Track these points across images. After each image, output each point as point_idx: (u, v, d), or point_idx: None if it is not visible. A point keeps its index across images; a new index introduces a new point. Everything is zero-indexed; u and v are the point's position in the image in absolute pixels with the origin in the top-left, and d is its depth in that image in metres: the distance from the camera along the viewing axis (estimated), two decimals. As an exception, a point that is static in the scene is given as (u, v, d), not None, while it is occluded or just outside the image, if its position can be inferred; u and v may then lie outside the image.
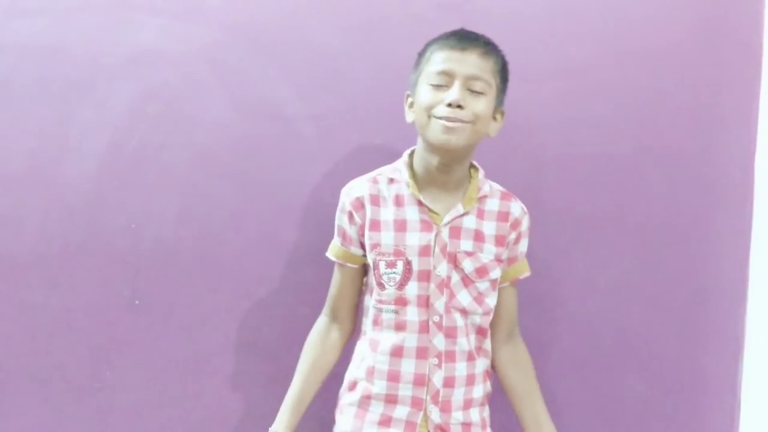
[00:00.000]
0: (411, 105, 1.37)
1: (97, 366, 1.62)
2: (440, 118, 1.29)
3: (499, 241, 1.38)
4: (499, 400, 1.44)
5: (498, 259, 1.38)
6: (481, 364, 1.39)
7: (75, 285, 1.61)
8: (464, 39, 1.32)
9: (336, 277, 1.44)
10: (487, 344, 1.41)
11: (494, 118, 1.36)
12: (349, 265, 1.42)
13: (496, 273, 1.37)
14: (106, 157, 1.62)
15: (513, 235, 1.40)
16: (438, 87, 1.30)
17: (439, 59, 1.31)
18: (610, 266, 1.64)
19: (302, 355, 1.44)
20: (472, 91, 1.30)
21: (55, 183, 1.62)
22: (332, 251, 1.43)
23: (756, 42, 1.65)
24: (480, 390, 1.39)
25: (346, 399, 1.40)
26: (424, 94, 1.32)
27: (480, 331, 1.39)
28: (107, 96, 1.62)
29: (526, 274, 1.45)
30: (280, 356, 1.57)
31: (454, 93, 1.28)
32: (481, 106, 1.30)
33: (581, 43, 1.64)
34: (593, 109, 1.64)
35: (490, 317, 1.40)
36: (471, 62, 1.30)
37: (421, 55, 1.36)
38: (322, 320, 1.45)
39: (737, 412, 1.65)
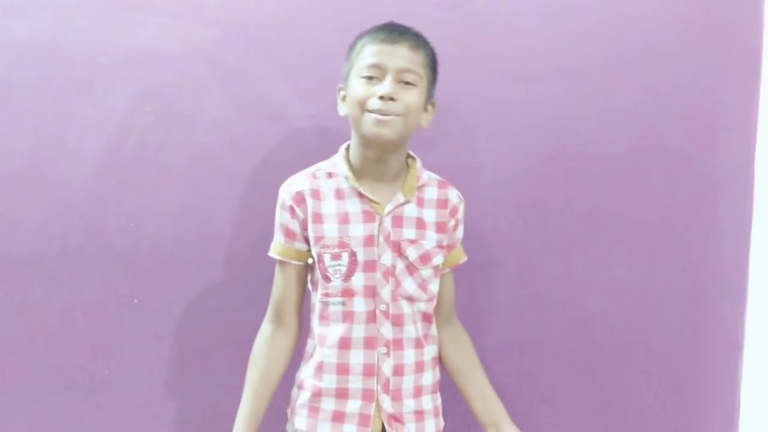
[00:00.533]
0: (344, 98, 1.38)
1: (96, 364, 1.62)
2: (373, 111, 1.30)
3: (440, 227, 1.40)
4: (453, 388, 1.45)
5: (440, 246, 1.39)
6: (429, 351, 1.41)
7: (74, 284, 1.61)
8: (394, 32, 1.33)
9: (279, 278, 1.42)
10: (434, 330, 1.42)
11: (425, 110, 1.37)
12: (293, 262, 1.40)
13: (438, 259, 1.39)
14: (104, 156, 1.62)
15: (452, 222, 1.42)
16: (370, 80, 1.31)
17: (370, 52, 1.32)
18: (610, 266, 1.64)
19: (249, 366, 1.41)
20: (404, 83, 1.31)
21: (53, 182, 1.62)
22: (275, 249, 1.41)
23: (756, 41, 1.65)
24: (429, 377, 1.40)
25: (298, 399, 1.39)
26: (356, 87, 1.32)
27: (426, 318, 1.40)
28: (106, 95, 1.62)
29: (464, 259, 1.47)
30: (278, 356, 1.57)
31: (386, 86, 1.30)
32: (413, 97, 1.32)
33: (581, 43, 1.64)
34: (593, 109, 1.64)
35: (434, 303, 1.41)
36: (402, 55, 1.31)
37: (351, 48, 1.37)
38: (266, 327, 1.43)
39: (737, 411, 1.65)
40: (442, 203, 1.41)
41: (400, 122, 1.31)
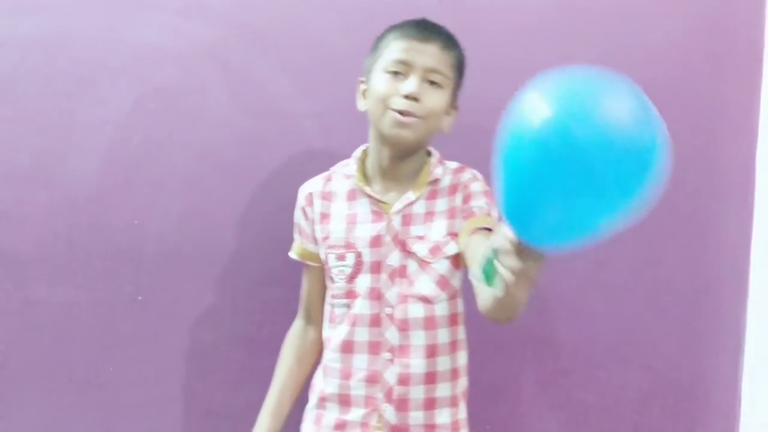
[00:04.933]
0: (364, 92, 1.33)
1: (100, 361, 1.63)
2: (395, 110, 1.25)
3: (451, 213, 1.31)
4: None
5: (451, 233, 1.29)
6: (450, 360, 1.30)
7: (78, 281, 1.62)
8: (426, 30, 1.29)
9: (304, 277, 1.43)
10: (461, 334, 1.33)
11: (448, 113, 1.32)
12: (310, 263, 1.39)
13: (451, 248, 1.29)
14: (109, 153, 1.63)
15: (459, 199, 1.30)
16: (395, 75, 1.26)
17: (399, 48, 1.27)
18: (611, 264, 1.64)
19: (280, 358, 1.42)
20: (431, 83, 1.26)
21: (58, 180, 1.62)
22: (294, 250, 1.42)
23: (757, 40, 1.65)
24: (447, 389, 1.30)
25: (309, 403, 1.36)
26: (379, 82, 1.27)
27: (452, 320, 1.31)
28: (110, 93, 1.63)
29: (488, 224, 1.27)
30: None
31: (411, 85, 1.24)
32: (437, 99, 1.27)
33: (582, 40, 1.64)
34: (595, 107, 1.64)
35: (459, 301, 1.32)
36: (431, 54, 1.26)
37: (379, 39, 1.32)
38: (297, 323, 1.44)
39: (738, 410, 1.65)
40: (453, 188, 1.32)
41: (421, 125, 1.26)
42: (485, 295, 1.12)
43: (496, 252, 0.93)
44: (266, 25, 1.64)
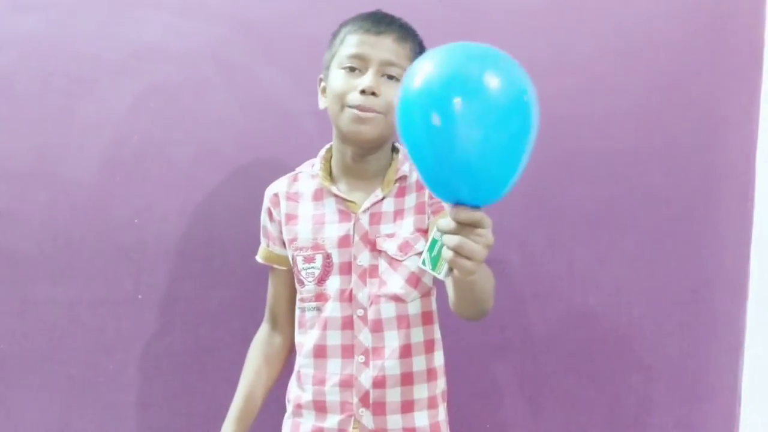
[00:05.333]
0: (324, 90, 1.29)
1: (100, 360, 1.63)
2: (353, 106, 1.21)
3: (419, 209, 1.27)
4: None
5: (420, 230, 1.26)
6: (426, 360, 1.27)
7: (78, 280, 1.63)
8: (380, 22, 1.24)
9: (270, 281, 1.39)
10: (436, 334, 1.29)
11: None
12: (276, 267, 1.36)
13: (422, 244, 1.24)
14: (109, 152, 1.63)
15: (428, 193, 1.26)
16: (351, 71, 1.22)
17: (353, 42, 1.23)
18: (611, 262, 1.64)
19: (245, 363, 1.39)
20: (389, 77, 1.22)
21: (58, 178, 1.63)
22: (259, 254, 1.39)
23: (757, 39, 1.65)
24: (424, 390, 1.27)
25: (287, 411, 1.34)
26: (336, 79, 1.24)
27: (426, 319, 1.27)
28: (110, 92, 1.63)
29: None
30: (281, 352, 1.57)
31: (367, 80, 1.20)
32: (396, 93, 1.19)
33: (583, 40, 1.63)
34: (595, 106, 1.64)
35: (432, 299, 1.29)
36: (386, 47, 1.22)
37: (334, 35, 1.29)
38: (263, 328, 1.41)
39: (738, 409, 1.65)
40: (421, 184, 1.26)
41: (381, 120, 1.22)
42: (449, 290, 1.13)
43: (440, 233, 0.95)
44: (266, 24, 1.64)
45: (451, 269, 0.97)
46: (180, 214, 1.63)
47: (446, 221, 0.94)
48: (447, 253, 0.94)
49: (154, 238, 1.63)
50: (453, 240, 0.92)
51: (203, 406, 1.64)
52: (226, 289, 1.64)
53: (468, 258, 0.93)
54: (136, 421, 1.64)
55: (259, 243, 1.41)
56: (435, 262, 0.97)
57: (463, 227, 0.93)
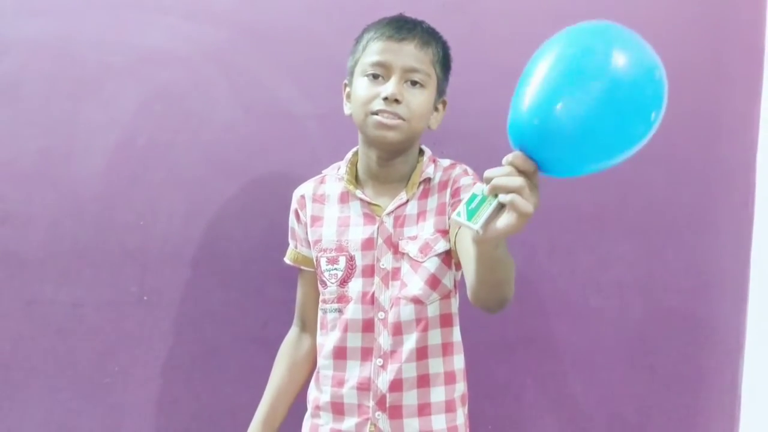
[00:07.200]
0: (348, 96, 1.30)
1: (106, 361, 1.64)
2: (376, 113, 1.22)
3: (440, 209, 1.27)
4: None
5: (440, 230, 1.25)
6: (444, 363, 1.26)
7: (84, 281, 1.63)
8: (402, 28, 1.24)
9: (299, 283, 1.41)
10: (455, 337, 1.28)
11: (436, 109, 1.29)
12: (304, 268, 1.37)
13: (441, 246, 1.24)
14: (114, 155, 1.64)
15: (449, 194, 1.26)
16: (374, 78, 1.23)
17: (375, 49, 1.23)
18: (613, 265, 1.65)
19: (274, 365, 1.40)
20: (412, 83, 1.23)
21: (64, 181, 1.64)
22: (288, 255, 1.40)
23: (758, 41, 1.66)
24: (441, 393, 1.26)
25: (307, 412, 1.34)
26: (360, 86, 1.25)
27: (444, 321, 1.26)
28: (116, 95, 1.64)
29: None
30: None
31: (390, 87, 1.21)
32: (420, 99, 1.23)
33: (585, 43, 1.65)
34: (596, 109, 1.65)
35: (452, 301, 1.28)
36: (408, 53, 1.22)
37: (357, 41, 1.29)
38: (292, 330, 1.42)
39: (738, 409, 1.66)
40: (444, 185, 1.28)
41: (405, 127, 1.23)
42: (469, 277, 1.10)
43: (482, 189, 0.92)
44: (271, 28, 1.65)
45: (484, 225, 0.93)
46: (185, 217, 1.64)
47: (498, 168, 0.91)
48: (505, 196, 0.90)
49: (160, 240, 1.64)
50: (517, 180, 0.89)
51: (208, 407, 1.64)
52: (231, 291, 1.64)
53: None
54: (142, 422, 1.64)
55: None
56: (471, 214, 0.93)
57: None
